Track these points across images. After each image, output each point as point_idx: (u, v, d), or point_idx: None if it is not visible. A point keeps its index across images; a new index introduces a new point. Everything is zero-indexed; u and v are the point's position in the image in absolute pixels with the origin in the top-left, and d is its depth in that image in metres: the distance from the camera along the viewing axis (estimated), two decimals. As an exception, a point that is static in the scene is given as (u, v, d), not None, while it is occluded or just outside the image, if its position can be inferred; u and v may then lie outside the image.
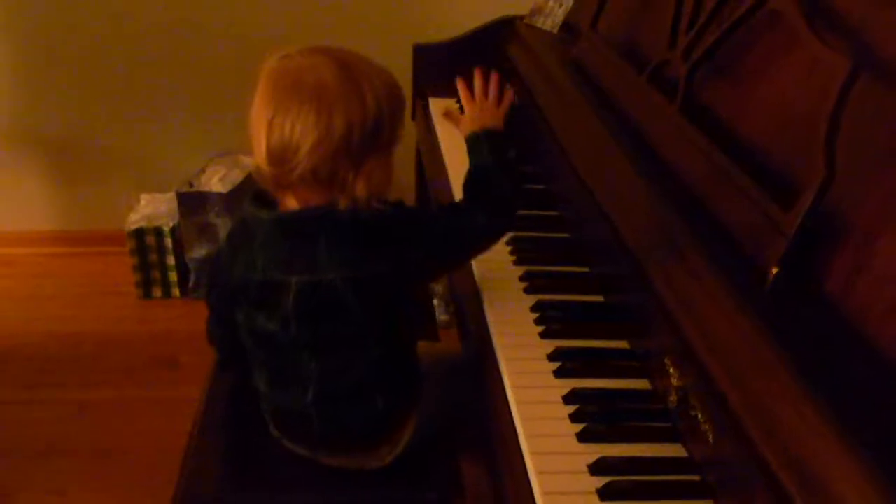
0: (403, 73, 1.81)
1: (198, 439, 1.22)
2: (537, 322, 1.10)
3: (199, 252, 2.34)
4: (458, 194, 1.46)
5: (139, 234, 2.35)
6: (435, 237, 1.09)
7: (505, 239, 1.23)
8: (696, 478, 0.85)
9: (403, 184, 1.89)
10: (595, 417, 0.93)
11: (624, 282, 1.10)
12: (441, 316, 2.16)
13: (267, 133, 0.97)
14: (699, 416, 0.83)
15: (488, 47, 1.93)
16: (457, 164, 1.61)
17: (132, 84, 2.43)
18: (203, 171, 2.39)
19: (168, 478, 1.18)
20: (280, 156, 0.98)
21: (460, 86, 1.33)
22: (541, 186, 1.49)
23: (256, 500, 1.17)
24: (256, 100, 0.99)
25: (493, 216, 1.13)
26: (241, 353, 1.16)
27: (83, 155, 2.53)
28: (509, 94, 1.32)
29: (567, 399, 0.96)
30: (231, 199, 2.27)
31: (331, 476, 1.16)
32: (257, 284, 1.05)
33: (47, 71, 2.41)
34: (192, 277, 2.38)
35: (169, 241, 2.36)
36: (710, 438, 0.81)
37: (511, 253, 1.26)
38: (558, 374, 1.00)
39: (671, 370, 0.90)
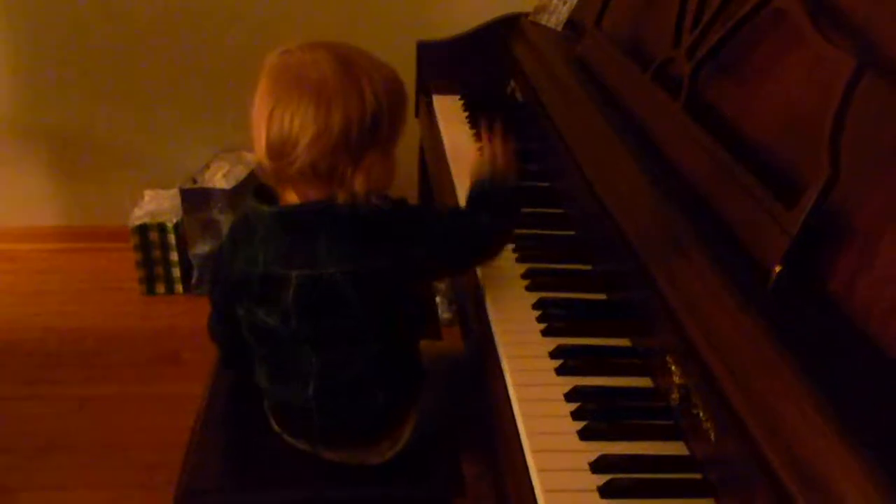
0: (407, 70, 1.80)
1: (199, 435, 1.22)
2: (539, 319, 1.10)
3: (202, 248, 2.34)
4: (461, 192, 1.46)
5: (142, 230, 2.35)
6: (436, 236, 1.09)
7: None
8: (697, 476, 0.84)
9: (406, 181, 1.89)
10: (596, 415, 0.92)
11: (626, 279, 1.09)
12: (444, 314, 2.16)
13: (267, 126, 0.98)
14: (701, 414, 0.83)
15: (492, 44, 1.93)
16: (460, 160, 1.61)
17: (136, 80, 2.43)
18: (207, 167, 2.39)
19: (170, 473, 1.18)
20: (279, 149, 0.98)
21: (484, 131, 1.29)
22: (544, 184, 1.49)
23: (257, 495, 1.17)
24: (257, 94, 1.00)
25: (496, 218, 1.15)
26: (242, 349, 1.16)
27: (87, 151, 2.53)
28: (514, 154, 1.26)
29: (569, 397, 0.96)
30: (234, 196, 2.27)
31: (331, 471, 1.16)
32: (258, 279, 1.05)
33: (51, 67, 2.41)
34: (195, 274, 2.39)
35: (172, 238, 2.36)
36: (712, 437, 0.81)
37: (514, 250, 1.26)
38: (560, 371, 1.00)
39: (673, 368, 0.90)
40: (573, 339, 1.05)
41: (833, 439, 0.64)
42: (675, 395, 0.90)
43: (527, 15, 1.93)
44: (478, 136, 1.48)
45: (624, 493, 0.82)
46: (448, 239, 1.12)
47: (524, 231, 1.29)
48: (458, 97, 1.93)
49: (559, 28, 1.84)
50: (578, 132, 1.37)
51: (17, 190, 2.56)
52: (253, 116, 1.01)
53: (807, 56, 0.97)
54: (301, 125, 0.97)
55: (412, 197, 1.98)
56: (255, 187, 1.08)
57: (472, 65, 1.96)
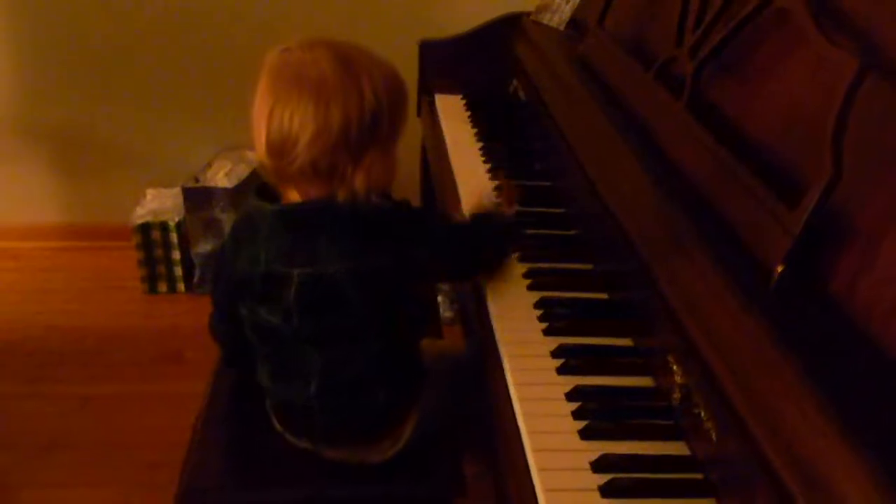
0: (410, 70, 1.81)
1: (201, 434, 1.22)
2: (541, 319, 1.10)
3: (204, 247, 2.35)
4: (463, 191, 1.46)
5: (145, 228, 2.35)
6: (439, 238, 1.10)
7: (510, 236, 1.23)
8: (698, 476, 0.84)
9: (408, 180, 1.89)
10: (598, 415, 0.92)
11: (628, 279, 1.09)
12: (445, 313, 2.16)
13: (267, 125, 0.98)
14: (702, 413, 0.83)
15: (495, 44, 1.93)
16: (462, 160, 1.61)
17: (139, 79, 2.44)
18: (209, 166, 2.40)
19: (172, 472, 1.18)
20: (279, 148, 0.98)
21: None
22: (546, 183, 1.49)
23: (259, 493, 1.17)
24: (258, 92, 1.00)
25: (497, 232, 1.19)
26: (244, 347, 1.16)
27: (90, 149, 2.53)
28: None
29: (570, 396, 0.96)
30: (236, 195, 2.27)
31: (333, 470, 1.16)
32: (260, 277, 1.06)
33: (55, 66, 2.42)
34: (197, 272, 2.39)
35: (174, 236, 2.37)
36: (713, 437, 0.81)
37: (515, 249, 1.26)
38: (561, 370, 1.00)
39: (675, 368, 0.90)
40: (574, 339, 1.05)
41: (834, 440, 0.64)
42: (676, 395, 0.90)
43: (529, 14, 1.92)
44: (491, 173, 1.54)
45: (625, 493, 0.82)
46: (450, 242, 1.13)
47: (526, 230, 1.29)
48: (461, 96, 1.93)
49: (562, 27, 1.84)
50: (581, 131, 1.37)
51: (21, 188, 2.57)
52: (253, 115, 1.01)
53: (809, 57, 0.97)
54: (301, 123, 0.97)
55: (414, 196, 1.98)
56: (257, 186, 1.08)
57: (475, 64, 1.96)
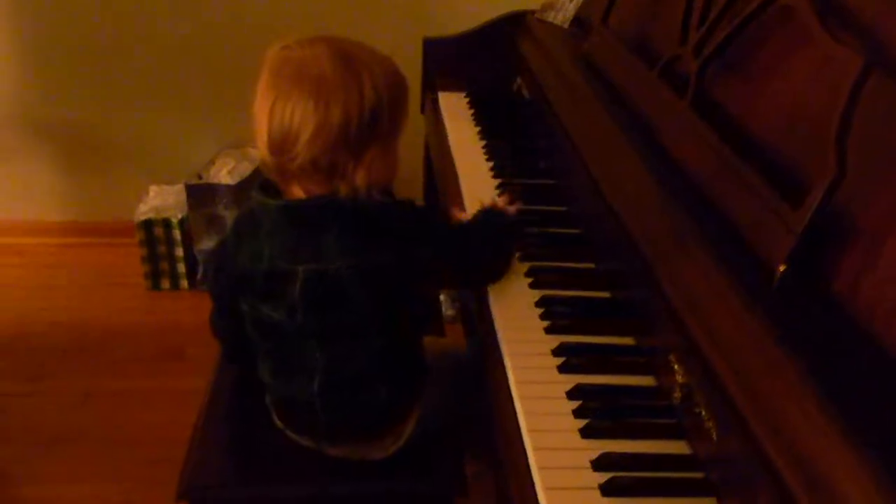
0: (413, 67, 1.81)
1: (202, 430, 1.22)
2: (542, 317, 1.10)
3: (207, 244, 2.35)
4: (466, 188, 1.46)
5: (148, 225, 2.36)
6: (442, 238, 1.10)
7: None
8: (699, 475, 0.84)
9: (411, 177, 1.89)
10: (599, 413, 0.92)
11: (630, 278, 1.09)
12: (447, 311, 2.16)
13: (268, 121, 0.98)
14: (703, 413, 0.83)
15: (499, 41, 1.93)
16: (465, 158, 1.61)
17: (142, 77, 2.44)
18: (212, 163, 2.40)
19: (174, 468, 1.18)
20: (280, 145, 0.98)
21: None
22: (549, 181, 1.49)
23: (260, 490, 1.17)
24: (258, 89, 1.00)
25: (500, 234, 1.19)
26: (245, 343, 1.16)
27: (93, 146, 2.54)
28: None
29: (571, 394, 0.95)
30: (239, 192, 2.27)
31: (334, 467, 1.16)
32: (263, 274, 1.05)
33: (59, 64, 2.42)
34: (200, 269, 2.39)
35: (177, 233, 2.37)
36: (714, 436, 0.81)
37: (518, 248, 1.25)
38: (562, 369, 1.00)
39: (676, 367, 0.90)
40: (576, 337, 1.05)
41: (836, 439, 0.64)
42: (677, 394, 0.90)
43: (533, 12, 1.92)
44: (494, 171, 1.54)
45: (625, 492, 0.82)
46: (454, 243, 1.12)
47: (528, 229, 1.29)
48: (464, 94, 1.93)
49: (566, 25, 1.83)
50: (584, 130, 1.37)
51: (25, 184, 2.57)
52: (254, 111, 1.01)
53: (814, 55, 0.96)
54: (301, 120, 0.97)
55: (417, 194, 1.98)
56: (260, 181, 1.08)
57: (479, 62, 1.96)
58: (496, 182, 1.48)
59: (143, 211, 2.38)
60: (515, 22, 1.93)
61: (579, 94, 1.46)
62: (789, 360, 0.72)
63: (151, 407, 1.93)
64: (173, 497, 1.14)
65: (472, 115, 1.82)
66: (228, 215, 2.29)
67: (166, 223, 2.36)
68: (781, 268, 0.83)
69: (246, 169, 2.35)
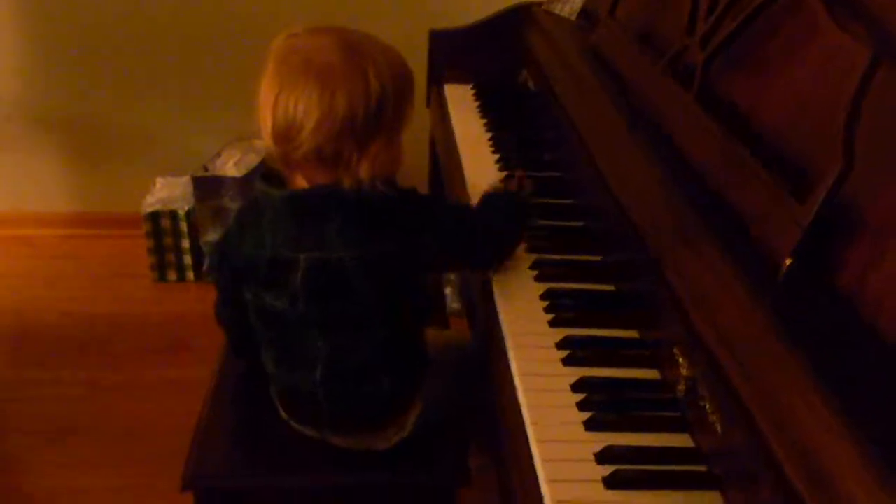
0: (419, 60, 1.80)
1: (207, 421, 1.23)
2: (547, 310, 1.10)
3: (213, 236, 2.35)
4: (472, 182, 1.46)
5: (155, 217, 2.36)
6: (445, 225, 1.09)
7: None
8: (702, 468, 0.84)
9: (417, 171, 1.88)
10: (602, 406, 0.92)
11: (635, 271, 1.09)
12: (453, 304, 2.16)
13: (273, 111, 0.98)
14: (707, 406, 0.83)
15: (505, 34, 1.92)
16: (471, 151, 1.60)
17: (149, 69, 2.44)
18: (219, 155, 2.40)
19: (179, 458, 1.18)
20: (285, 134, 0.98)
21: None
22: (555, 174, 1.48)
23: (264, 480, 1.18)
24: (264, 78, 1.00)
25: (507, 217, 1.17)
26: (249, 333, 1.17)
27: (101, 138, 2.54)
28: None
29: (575, 387, 0.95)
30: (246, 184, 2.27)
31: (338, 457, 1.17)
32: (266, 262, 1.06)
33: (65, 56, 2.42)
34: (207, 261, 2.40)
35: (184, 225, 2.37)
36: (719, 429, 0.80)
37: (523, 240, 1.25)
38: (567, 362, 1.00)
39: (681, 360, 0.90)
40: (581, 330, 1.05)
41: (840, 433, 0.64)
42: (681, 387, 0.89)
43: (540, 4, 1.91)
44: (501, 163, 1.53)
45: (629, 485, 0.82)
46: (458, 229, 1.12)
47: (533, 221, 1.29)
48: (470, 86, 1.92)
49: (573, 17, 1.82)
50: (591, 122, 1.36)
51: (33, 176, 2.58)
52: (259, 100, 1.01)
53: (822, 46, 0.95)
54: (306, 110, 0.97)
55: (422, 187, 1.98)
56: (262, 171, 1.08)
57: (485, 54, 1.95)
58: (502, 175, 1.47)
59: (150, 202, 2.39)
60: (522, 14, 1.92)
61: (586, 87, 1.45)
62: (794, 354, 0.72)
63: (158, 397, 1.94)
64: (179, 487, 1.15)
65: (479, 107, 1.82)
66: (235, 207, 2.30)
67: (173, 215, 2.37)
68: (788, 261, 0.82)
69: (252, 161, 2.35)
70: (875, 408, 0.66)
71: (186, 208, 2.37)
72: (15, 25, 2.39)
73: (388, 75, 1.00)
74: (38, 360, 2.08)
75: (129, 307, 2.30)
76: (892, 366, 0.71)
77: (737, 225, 0.92)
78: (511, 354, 1.02)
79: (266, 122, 1.00)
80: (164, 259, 2.41)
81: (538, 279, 1.16)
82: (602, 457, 0.85)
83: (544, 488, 0.83)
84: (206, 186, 2.30)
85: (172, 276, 2.43)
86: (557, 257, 1.21)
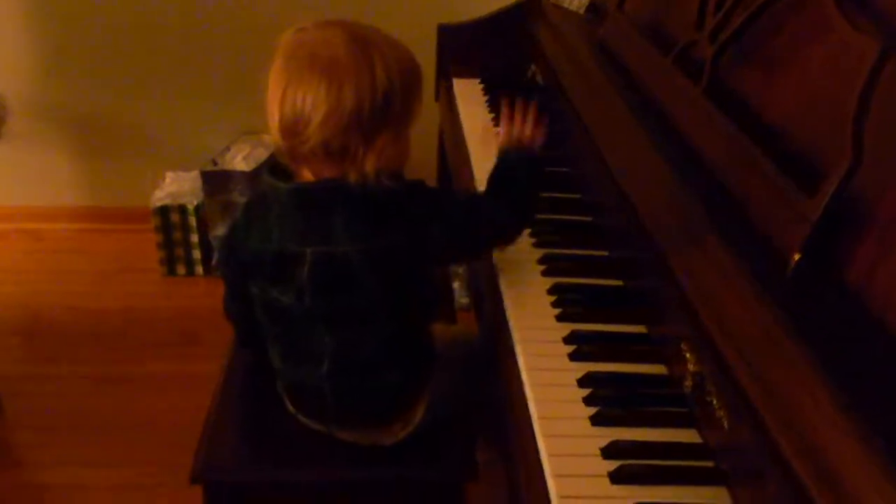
0: (428, 54, 1.80)
1: (216, 415, 1.23)
2: (554, 305, 1.10)
3: (222, 230, 2.36)
4: (480, 177, 1.45)
5: (164, 211, 2.37)
6: (452, 217, 1.09)
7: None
8: (709, 464, 0.84)
9: (425, 165, 1.88)
10: (609, 401, 0.92)
11: (643, 266, 1.09)
12: (461, 299, 2.16)
13: (280, 104, 0.98)
14: (714, 402, 0.83)
15: (513, 28, 1.92)
16: (479, 146, 1.60)
17: (159, 63, 2.45)
18: (227, 149, 2.41)
19: (188, 452, 1.19)
20: (292, 128, 0.98)
21: (504, 104, 1.29)
22: (563, 169, 1.48)
23: (272, 474, 1.18)
24: (271, 72, 1.00)
25: (514, 204, 1.15)
26: (257, 327, 1.17)
27: (110, 132, 2.55)
28: (543, 127, 1.26)
29: (582, 382, 0.95)
30: (254, 178, 2.28)
31: (345, 452, 1.17)
32: (272, 256, 1.06)
33: (75, 48, 2.43)
34: (215, 255, 2.40)
35: (193, 220, 2.38)
36: (725, 425, 0.80)
37: (530, 235, 1.25)
38: (574, 357, 1.00)
39: (688, 355, 0.89)
40: (587, 325, 1.05)
41: (847, 429, 0.64)
42: (688, 383, 0.89)
43: (549, -2, 1.91)
44: (496, 121, 1.48)
45: (635, 480, 0.82)
46: (465, 220, 1.11)
47: (541, 216, 1.28)
48: (479, 80, 1.92)
49: (581, 11, 1.82)
50: (598, 117, 1.36)
51: (43, 170, 2.59)
52: (267, 94, 1.01)
53: (831, 41, 0.95)
54: (313, 103, 0.97)
55: (431, 181, 1.98)
56: (270, 165, 1.08)
57: (493, 48, 1.95)
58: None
59: (160, 197, 2.40)
60: (530, 8, 1.92)
61: (594, 81, 1.45)
62: (802, 350, 0.71)
63: (167, 391, 1.95)
64: (188, 479, 1.15)
65: (487, 101, 1.82)
66: (244, 202, 2.30)
67: (182, 209, 2.37)
68: (796, 256, 0.82)
69: (261, 155, 2.35)
70: (883, 403, 0.66)
71: (195, 203, 2.38)
72: (25, 22, 2.40)
73: (395, 70, 0.99)
74: (46, 355, 2.09)
75: (139, 301, 2.31)
76: (900, 361, 0.71)
77: (745, 220, 0.92)
78: (518, 349, 1.02)
79: (273, 117, 1.00)
80: (173, 253, 2.42)
81: (545, 274, 1.16)
82: (608, 452, 0.85)
83: (550, 483, 0.83)
84: (215, 181, 2.31)
85: (181, 270, 2.44)
86: (565, 252, 1.21)
